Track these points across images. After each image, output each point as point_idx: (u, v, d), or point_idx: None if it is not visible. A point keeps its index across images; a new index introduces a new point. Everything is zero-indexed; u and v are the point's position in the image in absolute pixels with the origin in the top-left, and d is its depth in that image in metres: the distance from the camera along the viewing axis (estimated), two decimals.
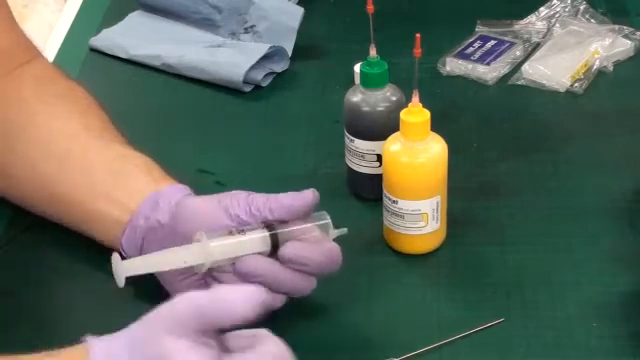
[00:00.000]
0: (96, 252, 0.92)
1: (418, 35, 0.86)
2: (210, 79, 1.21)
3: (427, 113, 0.90)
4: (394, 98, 0.97)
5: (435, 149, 0.91)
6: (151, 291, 0.88)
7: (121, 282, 0.79)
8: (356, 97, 0.98)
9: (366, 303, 0.89)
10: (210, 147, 1.11)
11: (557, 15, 1.28)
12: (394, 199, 0.92)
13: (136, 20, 1.33)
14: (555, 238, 0.96)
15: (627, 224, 0.97)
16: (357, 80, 1.10)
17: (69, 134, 0.95)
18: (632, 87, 1.18)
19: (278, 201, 0.83)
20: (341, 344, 0.86)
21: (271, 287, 0.82)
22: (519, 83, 1.18)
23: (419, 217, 0.92)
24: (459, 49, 1.22)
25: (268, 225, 0.83)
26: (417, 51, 0.87)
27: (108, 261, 0.91)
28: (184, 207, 0.86)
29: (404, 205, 0.92)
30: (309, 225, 0.84)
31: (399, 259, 0.95)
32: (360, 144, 0.99)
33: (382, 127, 0.96)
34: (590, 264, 0.93)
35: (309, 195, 0.84)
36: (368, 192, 1.01)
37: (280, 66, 1.22)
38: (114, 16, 1.34)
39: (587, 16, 1.27)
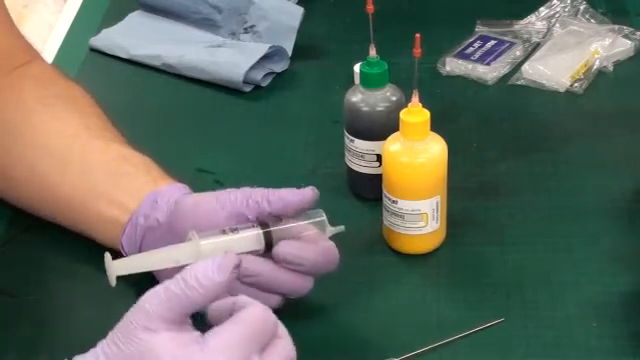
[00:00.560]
0: (96, 252, 0.92)
1: (418, 35, 0.86)
2: (210, 79, 1.21)
3: (427, 113, 0.90)
4: (394, 98, 0.97)
5: (435, 149, 0.91)
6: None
7: (112, 281, 0.79)
8: (356, 97, 0.98)
9: (366, 303, 0.89)
10: (210, 147, 1.11)
11: (557, 15, 1.28)
12: (394, 199, 0.92)
13: (136, 20, 1.33)
14: (555, 238, 0.96)
15: (627, 224, 0.97)
16: (357, 80, 1.10)
17: (68, 134, 0.95)
18: (632, 87, 1.18)
19: (277, 194, 0.83)
20: (341, 344, 0.86)
21: (265, 287, 0.82)
22: (519, 83, 1.18)
23: (419, 217, 0.92)
24: (459, 49, 1.22)
25: (262, 223, 0.83)
26: (417, 51, 0.87)
27: None
28: (182, 205, 0.86)
29: (404, 205, 0.92)
30: (304, 223, 0.84)
31: (399, 259, 0.95)
32: (360, 144, 0.99)
33: (382, 127, 0.96)
34: (590, 264, 0.93)
35: (308, 192, 0.83)
36: (368, 192, 1.01)
37: (280, 66, 1.22)
38: (114, 16, 1.34)
39: (587, 16, 1.27)
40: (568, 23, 1.25)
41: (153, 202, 0.88)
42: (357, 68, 1.09)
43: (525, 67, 1.19)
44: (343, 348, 0.86)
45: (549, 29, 1.26)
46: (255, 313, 0.70)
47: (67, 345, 0.86)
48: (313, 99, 1.19)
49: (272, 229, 0.82)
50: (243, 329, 0.69)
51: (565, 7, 1.29)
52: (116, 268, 0.79)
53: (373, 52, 0.96)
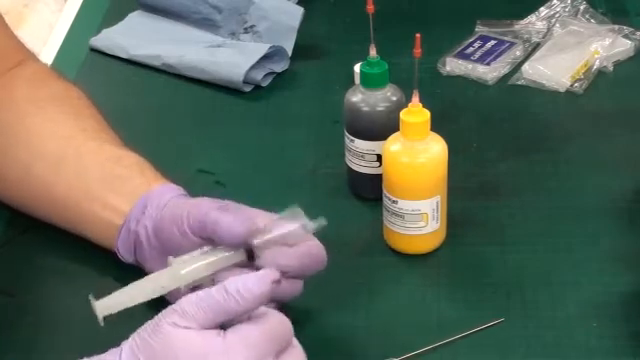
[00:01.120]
0: (94, 253, 0.92)
1: (418, 35, 0.86)
2: (210, 79, 1.21)
3: (427, 113, 0.90)
4: (394, 98, 0.97)
5: (435, 149, 0.91)
6: None
7: (101, 322, 0.79)
8: (356, 97, 0.98)
9: (366, 303, 0.89)
10: (210, 147, 1.11)
11: (557, 15, 1.28)
12: (394, 199, 0.92)
13: (136, 20, 1.33)
14: (555, 238, 0.96)
15: (627, 224, 0.97)
16: (357, 80, 1.10)
17: (62, 136, 0.95)
18: (632, 87, 1.18)
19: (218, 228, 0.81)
20: (341, 344, 0.86)
21: None
22: (519, 83, 1.18)
23: (419, 217, 0.92)
24: (459, 49, 1.22)
25: None
26: (417, 51, 0.87)
27: (106, 261, 0.91)
28: (165, 213, 0.86)
29: (404, 205, 0.92)
30: (284, 231, 0.82)
31: (399, 259, 0.95)
32: (360, 144, 0.99)
33: (382, 127, 0.96)
34: (590, 264, 0.93)
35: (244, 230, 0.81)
36: (368, 192, 1.01)
37: (280, 66, 1.22)
38: (114, 16, 1.34)
39: (587, 16, 1.27)
40: (568, 23, 1.25)
41: (143, 207, 0.88)
42: (357, 68, 1.09)
43: (525, 67, 1.19)
44: (343, 348, 0.86)
45: (549, 29, 1.26)
46: (275, 317, 0.72)
47: (66, 345, 0.87)
48: (313, 99, 1.19)
49: (254, 241, 0.81)
50: (263, 329, 0.71)
51: (565, 7, 1.29)
52: (102, 309, 0.78)
53: (373, 52, 0.95)
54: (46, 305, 0.91)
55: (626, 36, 1.23)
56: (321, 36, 1.30)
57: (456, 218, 0.97)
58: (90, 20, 1.36)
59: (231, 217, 0.81)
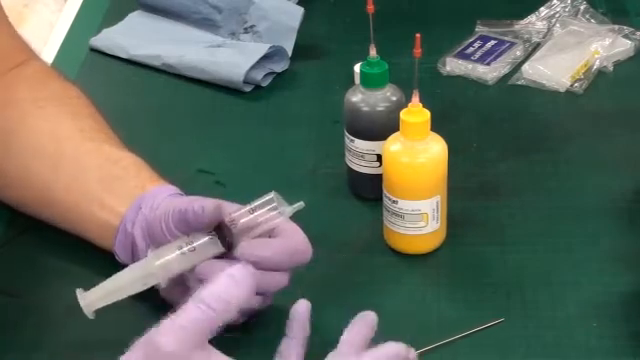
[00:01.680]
0: (94, 253, 0.92)
1: (418, 35, 0.86)
2: (210, 79, 1.21)
3: (427, 113, 0.90)
4: (394, 98, 0.97)
5: (435, 149, 0.91)
6: (150, 293, 0.88)
7: (89, 314, 0.81)
8: (356, 97, 0.98)
9: (366, 303, 0.89)
10: (210, 147, 1.11)
11: (557, 15, 1.28)
12: (394, 199, 0.92)
13: (136, 20, 1.33)
14: (555, 238, 0.96)
15: (627, 224, 0.97)
16: (357, 80, 1.10)
17: (60, 137, 0.95)
18: (632, 87, 1.18)
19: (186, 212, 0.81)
20: None
21: None
22: (519, 83, 1.18)
23: (419, 217, 0.92)
24: (459, 49, 1.22)
25: (217, 226, 0.81)
26: (417, 51, 0.87)
27: (106, 262, 0.91)
28: (155, 213, 0.86)
29: (404, 205, 0.92)
30: (256, 215, 0.81)
31: (399, 259, 0.95)
32: (360, 144, 0.99)
33: (382, 127, 0.96)
34: (590, 264, 0.93)
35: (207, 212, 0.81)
36: (368, 192, 1.01)
37: (280, 66, 1.22)
38: (114, 16, 1.34)
39: (587, 16, 1.27)
40: (568, 23, 1.25)
41: (138, 208, 0.88)
42: (357, 68, 1.09)
43: (525, 67, 1.19)
44: None
45: (549, 29, 1.26)
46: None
47: (67, 345, 0.87)
48: (313, 99, 1.19)
49: (225, 230, 0.81)
50: None
51: (565, 7, 1.29)
52: (89, 303, 0.80)
53: (373, 52, 0.96)
54: (46, 305, 0.91)
55: (626, 36, 1.23)
56: (321, 36, 1.30)
57: (456, 218, 0.97)
58: (90, 20, 1.36)
59: (203, 200, 0.81)
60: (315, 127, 1.13)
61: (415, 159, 0.91)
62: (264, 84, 1.20)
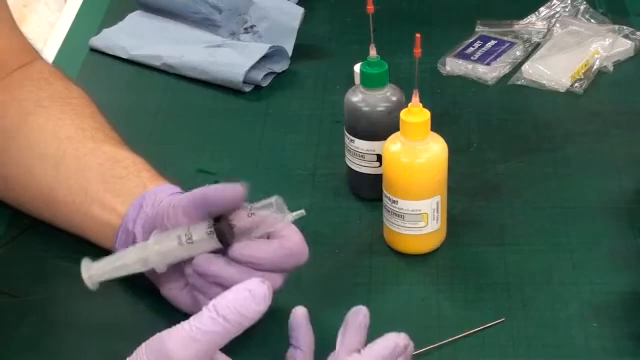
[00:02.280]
0: (95, 253, 0.92)
1: (418, 35, 0.86)
2: (210, 79, 1.21)
3: (427, 113, 0.90)
4: (394, 98, 0.97)
5: (435, 149, 0.91)
6: (150, 291, 0.88)
7: (90, 285, 0.83)
8: (356, 97, 0.98)
9: (366, 303, 0.89)
10: (210, 147, 1.11)
11: (557, 15, 1.28)
12: (394, 199, 0.92)
13: (136, 20, 1.33)
14: (555, 238, 0.96)
15: (627, 224, 0.97)
16: (357, 80, 1.10)
17: (62, 137, 0.95)
18: (632, 87, 1.18)
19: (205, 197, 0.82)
20: None
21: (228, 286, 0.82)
22: (519, 83, 1.18)
23: (419, 217, 0.92)
24: (459, 49, 1.22)
25: (217, 222, 0.81)
26: (417, 51, 0.87)
27: None
28: (158, 209, 0.86)
29: (404, 205, 0.92)
30: (252, 218, 0.81)
31: (399, 259, 0.95)
32: (360, 144, 0.99)
33: (382, 127, 0.96)
34: (590, 264, 0.93)
35: (229, 190, 0.81)
36: (368, 192, 1.01)
37: (280, 66, 1.22)
38: (114, 16, 1.34)
39: (587, 16, 1.27)
40: (568, 23, 1.25)
41: (139, 207, 0.88)
42: (357, 68, 1.09)
43: (525, 67, 1.19)
44: None
45: (549, 29, 1.26)
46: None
47: (67, 345, 0.87)
48: (313, 99, 1.19)
49: (222, 228, 0.81)
50: None
51: (565, 7, 1.29)
52: (89, 273, 0.82)
53: (373, 52, 0.95)
54: (47, 305, 0.91)
55: (626, 36, 1.23)
56: (321, 36, 1.30)
57: (456, 218, 0.97)
58: (90, 20, 1.36)
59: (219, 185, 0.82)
60: (315, 127, 1.13)
61: (415, 159, 0.91)
62: (264, 84, 1.20)
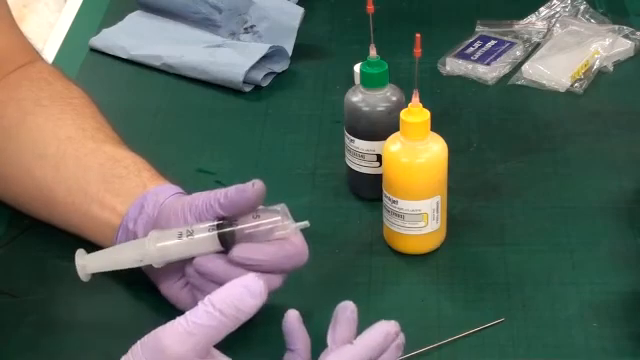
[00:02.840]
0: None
1: (418, 35, 0.86)
2: (210, 79, 1.21)
3: (427, 113, 0.90)
4: (394, 98, 0.97)
5: (435, 149, 0.91)
6: (151, 291, 0.88)
7: (83, 276, 0.83)
8: (356, 97, 0.98)
9: (366, 303, 0.89)
10: (210, 147, 1.11)
11: (557, 15, 1.28)
12: (394, 199, 0.92)
13: (136, 20, 1.33)
14: (555, 238, 0.96)
15: (627, 224, 0.97)
16: (357, 80, 1.10)
17: (61, 137, 0.95)
18: (632, 87, 1.18)
19: (228, 196, 0.82)
20: None
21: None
22: (519, 83, 1.18)
23: (419, 217, 0.92)
24: (459, 49, 1.22)
25: (220, 224, 0.82)
26: (417, 51, 0.87)
27: None
28: (162, 209, 0.86)
29: (404, 205, 0.92)
30: (255, 223, 0.82)
31: (399, 259, 0.95)
32: (360, 144, 0.99)
33: (382, 127, 0.96)
34: (590, 264, 0.93)
35: (251, 190, 0.81)
36: (368, 192, 1.01)
37: (280, 66, 1.22)
38: (114, 16, 1.34)
39: (587, 16, 1.27)
40: (568, 23, 1.25)
41: (141, 207, 0.88)
42: (357, 68, 1.09)
43: (525, 67, 1.19)
44: None
45: (549, 29, 1.26)
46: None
47: (67, 345, 0.87)
48: (313, 99, 1.19)
49: (226, 230, 0.81)
50: None
51: (565, 7, 1.29)
52: (89, 265, 0.83)
53: (373, 52, 0.95)
54: (47, 305, 0.91)
55: (626, 36, 1.23)
56: (321, 36, 1.30)
57: (456, 218, 0.97)
58: (90, 20, 1.36)
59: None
60: (315, 127, 1.13)
61: (415, 159, 0.91)
62: (264, 84, 1.20)
